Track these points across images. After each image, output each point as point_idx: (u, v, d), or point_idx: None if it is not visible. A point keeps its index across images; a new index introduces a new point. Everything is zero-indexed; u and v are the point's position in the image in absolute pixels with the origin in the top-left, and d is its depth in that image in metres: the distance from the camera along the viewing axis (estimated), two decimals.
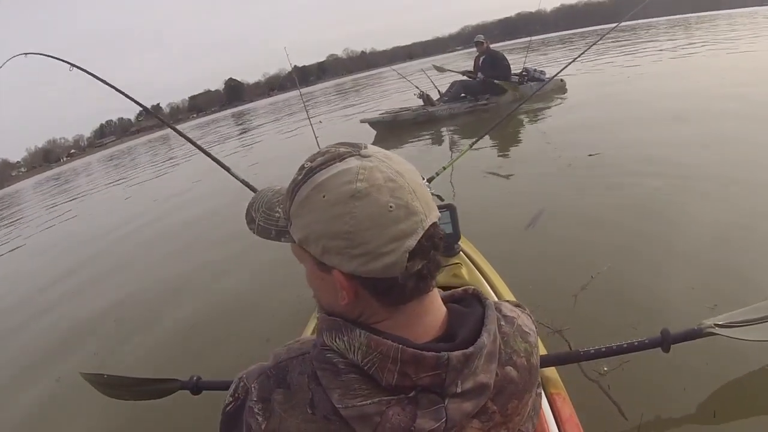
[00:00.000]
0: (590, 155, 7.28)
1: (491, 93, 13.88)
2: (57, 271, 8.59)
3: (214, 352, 4.25)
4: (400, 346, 0.98)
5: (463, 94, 14.42)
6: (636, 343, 2.27)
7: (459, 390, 1.00)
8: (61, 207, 18.54)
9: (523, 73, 14.36)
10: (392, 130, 13.56)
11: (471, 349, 1.01)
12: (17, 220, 19.13)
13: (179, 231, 9.10)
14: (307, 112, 6.39)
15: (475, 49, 14.66)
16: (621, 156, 7.15)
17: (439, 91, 14.78)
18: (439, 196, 3.75)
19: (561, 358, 2.25)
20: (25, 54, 4.25)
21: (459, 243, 2.84)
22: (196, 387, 2.45)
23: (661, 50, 22.42)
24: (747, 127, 7.66)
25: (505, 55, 14.45)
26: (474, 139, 4.86)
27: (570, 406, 1.95)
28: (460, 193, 6.60)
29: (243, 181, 3.71)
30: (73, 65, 4.13)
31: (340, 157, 1.01)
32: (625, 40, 30.58)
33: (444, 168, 4.53)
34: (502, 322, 1.16)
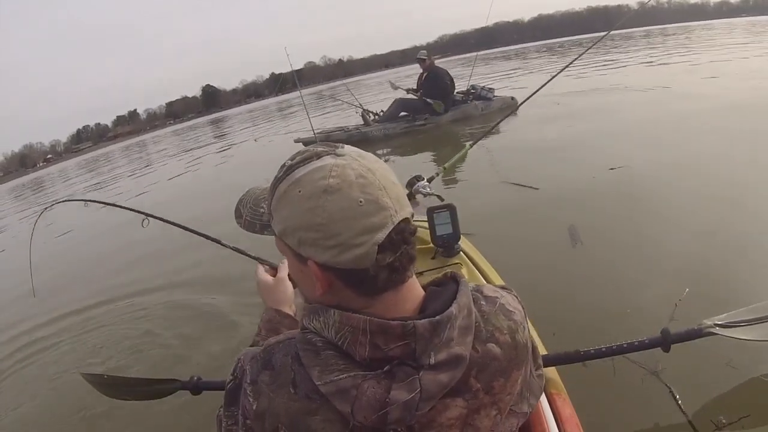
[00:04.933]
0: (612, 169, 6.82)
1: (430, 112, 13.21)
2: None
3: (214, 352, 4.24)
4: (368, 318, 1.04)
5: (403, 113, 13.73)
6: (636, 343, 2.28)
7: (433, 361, 1.03)
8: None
9: (470, 90, 13.90)
10: None
11: (438, 317, 1.05)
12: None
13: None
14: (307, 111, 6.36)
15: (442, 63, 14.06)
16: (646, 169, 6.69)
17: (373, 113, 14.08)
18: (439, 196, 3.77)
19: (561, 358, 2.25)
20: (84, 201, 4.44)
21: (459, 243, 2.84)
22: (196, 387, 2.44)
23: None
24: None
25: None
26: (474, 140, 4.84)
27: (570, 406, 1.93)
28: (482, 211, 6.16)
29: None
30: (148, 215, 3.79)
31: (317, 156, 1.08)
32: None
33: (444, 168, 4.55)
34: (482, 302, 1.21)
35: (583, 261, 4.54)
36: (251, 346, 1.65)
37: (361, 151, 1.12)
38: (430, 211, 2.76)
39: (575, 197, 6.06)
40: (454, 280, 1.19)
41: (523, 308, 1.28)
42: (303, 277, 1.14)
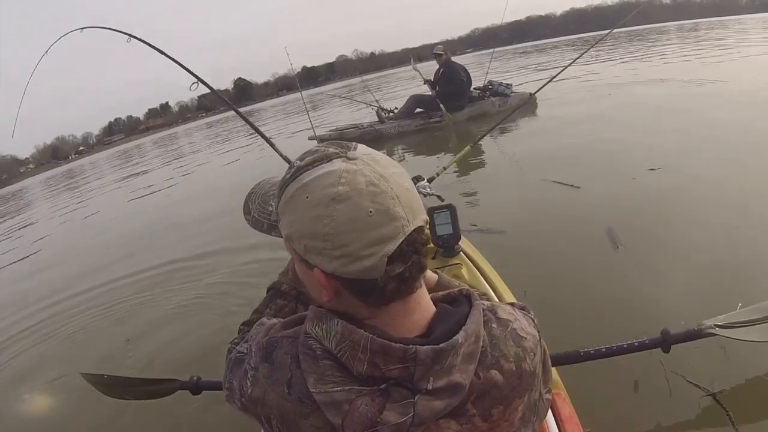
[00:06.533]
0: (651, 170, 6.49)
1: (446, 109, 12.74)
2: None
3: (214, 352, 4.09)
4: (371, 335, 1.00)
5: (418, 109, 13.43)
6: (636, 344, 2.29)
7: (430, 387, 1.01)
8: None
9: (488, 86, 13.45)
10: None
11: (442, 345, 1.02)
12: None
13: None
14: (308, 114, 6.38)
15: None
16: (687, 170, 6.38)
17: (387, 110, 13.81)
18: (439, 197, 3.77)
19: (561, 358, 2.26)
20: (81, 29, 4.42)
21: (459, 243, 2.84)
22: (196, 387, 2.46)
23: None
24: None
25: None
26: (475, 139, 4.79)
27: (570, 406, 1.95)
28: (518, 208, 6.09)
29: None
30: (131, 36, 4.35)
31: (327, 158, 1.03)
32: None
33: (444, 168, 4.53)
34: (494, 325, 1.15)
35: (625, 264, 4.35)
36: (274, 283, 1.72)
37: (375, 153, 1.08)
38: (430, 211, 2.75)
39: (614, 198, 5.85)
40: (468, 299, 1.16)
41: (538, 332, 1.23)
42: (310, 281, 1.10)
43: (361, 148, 1.07)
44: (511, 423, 1.14)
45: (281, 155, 4.35)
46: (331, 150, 1.05)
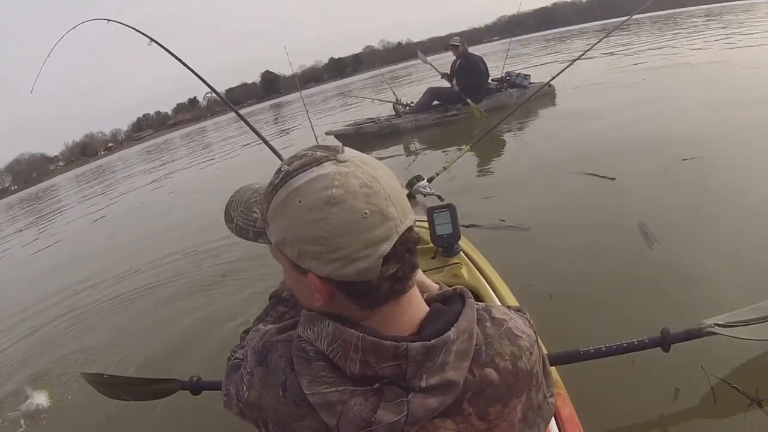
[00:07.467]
0: (684, 160, 6.25)
1: (463, 102, 12.44)
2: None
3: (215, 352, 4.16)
4: (361, 334, 1.01)
5: (435, 102, 13.22)
6: (636, 343, 2.29)
7: (424, 385, 1.00)
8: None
9: (506, 77, 13.25)
10: (357, 142, 12.20)
11: (433, 341, 1.01)
12: None
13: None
14: (308, 114, 6.37)
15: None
16: (721, 160, 6.16)
17: (404, 104, 13.64)
18: (439, 196, 3.76)
19: (561, 358, 2.26)
20: (107, 20, 4.55)
21: (459, 243, 2.84)
22: (196, 387, 2.46)
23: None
24: None
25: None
26: (474, 140, 4.76)
27: (570, 406, 1.96)
28: (546, 202, 5.97)
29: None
30: (152, 40, 4.34)
31: (317, 162, 1.02)
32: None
33: (444, 168, 4.52)
34: (488, 324, 1.14)
35: (660, 261, 4.20)
36: (276, 290, 1.75)
37: (363, 155, 1.08)
38: (430, 211, 2.77)
39: (647, 191, 5.70)
40: (462, 298, 1.15)
41: (534, 333, 1.22)
42: (301, 287, 1.10)
43: (349, 152, 1.07)
44: (511, 423, 1.12)
45: (278, 156, 4.38)
46: (320, 153, 1.05)
